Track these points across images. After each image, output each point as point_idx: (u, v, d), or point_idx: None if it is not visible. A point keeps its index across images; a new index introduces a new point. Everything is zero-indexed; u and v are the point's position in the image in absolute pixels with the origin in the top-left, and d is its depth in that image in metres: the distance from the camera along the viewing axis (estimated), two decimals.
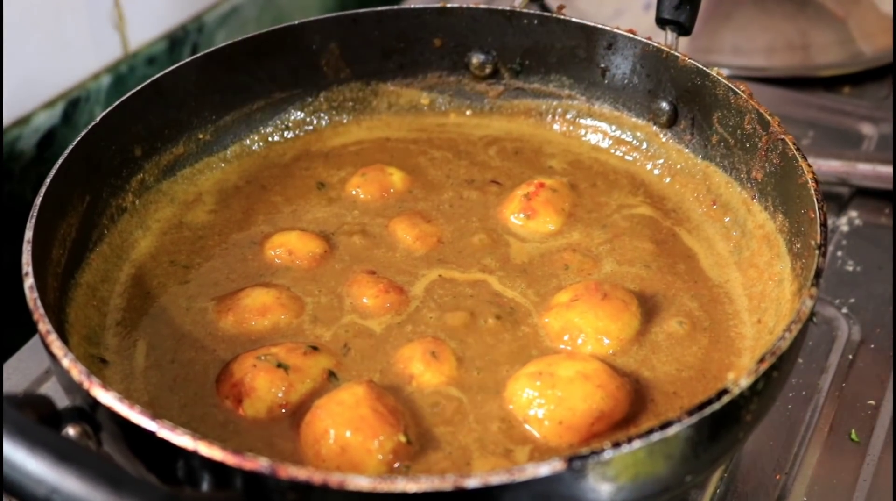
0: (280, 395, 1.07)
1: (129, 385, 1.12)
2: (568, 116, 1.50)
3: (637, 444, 0.87)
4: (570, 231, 1.32)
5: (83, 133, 1.22)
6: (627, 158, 1.45)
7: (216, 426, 1.07)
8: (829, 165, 1.17)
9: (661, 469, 0.92)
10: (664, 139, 1.42)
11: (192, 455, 0.86)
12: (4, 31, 1.51)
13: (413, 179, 1.41)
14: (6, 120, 1.56)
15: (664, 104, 1.40)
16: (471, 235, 1.31)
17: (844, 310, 1.45)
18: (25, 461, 0.77)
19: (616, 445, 0.86)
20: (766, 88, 1.32)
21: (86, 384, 0.91)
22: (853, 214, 1.60)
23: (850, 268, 1.52)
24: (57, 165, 1.17)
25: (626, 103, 1.45)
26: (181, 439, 0.86)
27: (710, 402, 0.90)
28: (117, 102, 1.27)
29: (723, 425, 0.94)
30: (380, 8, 1.46)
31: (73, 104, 1.66)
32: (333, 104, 1.51)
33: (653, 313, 1.20)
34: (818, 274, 1.04)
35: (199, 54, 1.37)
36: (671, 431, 0.88)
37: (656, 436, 0.87)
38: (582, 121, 1.49)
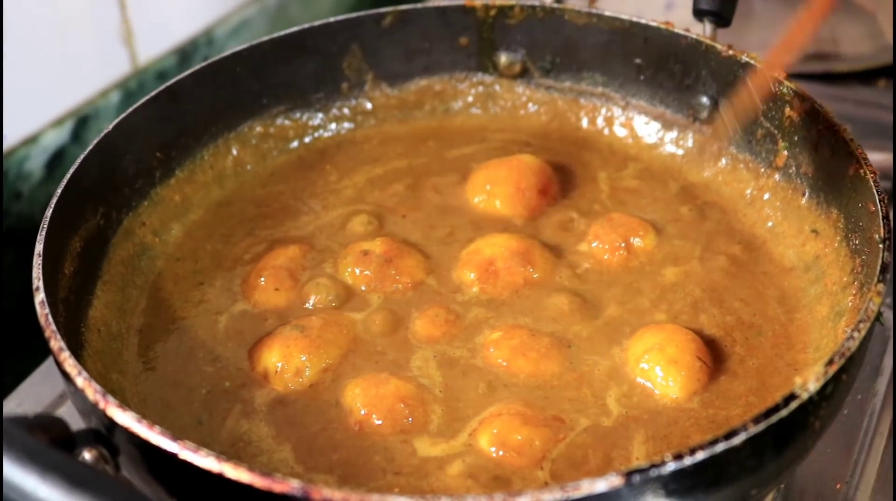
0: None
1: (146, 405, 1.09)
2: (603, 115, 1.46)
3: (701, 455, 0.82)
4: None
5: (95, 141, 1.20)
6: (667, 156, 1.41)
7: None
8: (873, 159, 1.13)
9: (725, 482, 0.87)
10: (706, 136, 1.38)
11: (217, 478, 0.82)
12: (10, 47, 1.47)
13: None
14: (13, 139, 1.53)
15: (704, 99, 1.37)
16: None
17: (889, 304, 1.40)
18: (37, 487, 0.73)
19: (678, 456, 0.82)
20: (798, 84, 1.31)
21: (101, 404, 0.88)
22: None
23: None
24: (68, 176, 1.14)
25: (664, 100, 1.41)
26: (205, 461, 0.82)
27: (777, 408, 0.86)
28: (131, 109, 1.25)
29: (791, 432, 0.89)
30: (403, 7, 1.43)
31: (83, 122, 1.63)
32: (355, 108, 1.47)
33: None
34: (884, 270, 0.99)
35: (214, 58, 1.35)
36: (737, 440, 0.83)
37: (721, 446, 0.83)
38: (618, 119, 1.45)
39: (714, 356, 1.11)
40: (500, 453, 1.01)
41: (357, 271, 1.21)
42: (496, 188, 1.32)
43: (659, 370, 1.08)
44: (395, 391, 1.06)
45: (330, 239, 1.28)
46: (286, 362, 1.10)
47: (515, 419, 1.03)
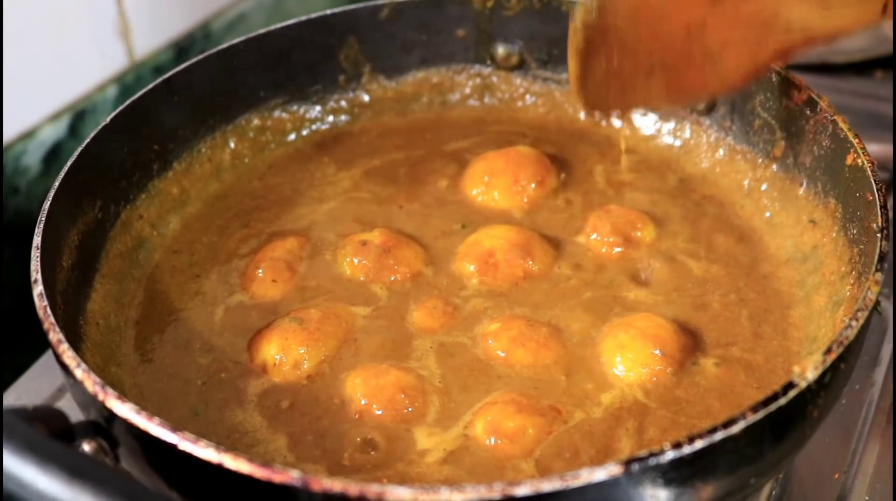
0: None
1: (143, 397, 1.09)
2: None
3: (699, 444, 0.82)
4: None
5: (93, 134, 1.20)
6: (665, 148, 1.41)
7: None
8: (870, 150, 1.13)
9: (724, 471, 0.87)
10: (703, 127, 1.38)
11: (216, 469, 0.82)
12: (6, 42, 1.47)
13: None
14: (10, 134, 1.52)
15: None
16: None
17: (891, 298, 1.39)
18: (36, 478, 0.73)
19: (677, 445, 0.82)
20: (795, 74, 1.32)
21: (101, 396, 0.88)
22: (891, 200, 1.55)
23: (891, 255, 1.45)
24: (66, 169, 1.14)
25: None
26: (205, 452, 0.82)
27: (775, 397, 0.86)
28: (129, 102, 1.26)
29: (789, 421, 0.89)
30: None
31: (79, 116, 1.63)
32: (353, 100, 1.47)
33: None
34: (882, 259, 0.99)
35: (211, 51, 1.35)
36: (735, 429, 0.83)
37: (719, 435, 0.83)
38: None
39: (707, 346, 1.12)
40: (494, 441, 1.01)
41: (355, 261, 1.21)
42: (494, 180, 1.32)
43: (624, 367, 1.09)
44: (396, 381, 1.07)
45: (327, 231, 1.28)
46: (285, 354, 1.10)
47: (510, 407, 1.04)
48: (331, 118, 1.46)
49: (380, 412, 1.04)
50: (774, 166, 1.28)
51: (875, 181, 1.06)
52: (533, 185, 1.32)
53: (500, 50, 1.46)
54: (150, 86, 1.28)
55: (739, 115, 1.32)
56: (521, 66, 1.47)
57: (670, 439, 0.96)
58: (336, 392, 1.07)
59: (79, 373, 0.90)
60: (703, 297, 1.18)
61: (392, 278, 1.20)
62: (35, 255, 1.02)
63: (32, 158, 1.56)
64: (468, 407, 1.05)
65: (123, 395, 0.89)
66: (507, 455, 1.00)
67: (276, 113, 1.42)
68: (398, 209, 1.31)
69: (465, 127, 1.46)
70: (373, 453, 1.01)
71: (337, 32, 1.42)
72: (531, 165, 1.33)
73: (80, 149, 1.17)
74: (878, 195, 1.05)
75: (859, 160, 1.10)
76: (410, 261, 1.21)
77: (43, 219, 1.07)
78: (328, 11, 1.40)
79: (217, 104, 1.37)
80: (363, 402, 1.05)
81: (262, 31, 1.39)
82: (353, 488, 0.78)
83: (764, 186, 1.29)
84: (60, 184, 1.12)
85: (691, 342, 1.12)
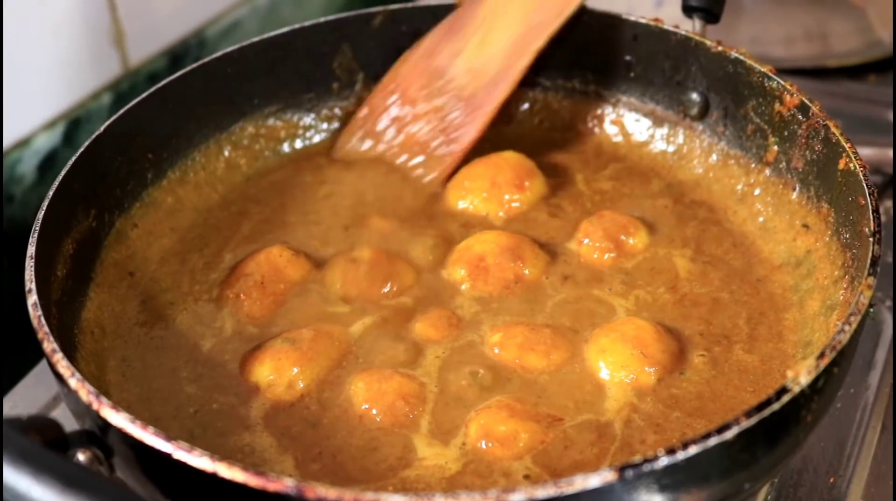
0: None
1: (140, 407, 1.09)
2: (593, 113, 1.46)
3: (693, 449, 0.82)
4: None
5: (87, 143, 1.19)
6: (658, 153, 1.41)
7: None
8: (863, 154, 1.14)
9: (718, 476, 0.87)
10: (696, 132, 1.38)
11: (211, 478, 0.81)
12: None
13: None
14: (5, 143, 1.52)
15: (694, 95, 1.36)
16: None
17: (888, 303, 1.40)
18: (30, 488, 0.73)
19: (671, 451, 0.82)
20: (788, 79, 1.32)
21: (95, 405, 0.88)
22: (889, 203, 1.56)
23: (890, 260, 1.46)
24: (60, 178, 1.14)
25: (654, 96, 1.41)
26: (199, 461, 0.82)
27: (769, 402, 0.85)
28: (122, 111, 1.25)
29: (783, 426, 0.89)
30: (393, 6, 1.43)
31: (74, 125, 1.62)
32: (346, 108, 1.47)
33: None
34: (874, 263, 0.99)
35: (205, 59, 1.35)
36: (729, 434, 0.83)
37: (713, 440, 0.83)
38: (608, 117, 1.45)
39: (701, 349, 1.12)
40: (488, 444, 1.01)
41: (345, 279, 1.20)
42: (473, 184, 1.33)
43: (609, 371, 1.09)
44: (398, 387, 1.07)
45: (321, 243, 1.28)
46: (278, 375, 1.09)
47: (503, 411, 1.04)
48: (325, 126, 1.46)
49: (379, 418, 1.05)
50: (767, 171, 1.28)
51: (867, 185, 1.07)
52: (511, 188, 1.32)
53: None
54: (145, 94, 1.28)
55: (732, 120, 1.32)
56: None
57: (665, 444, 0.97)
58: (334, 408, 1.07)
59: (73, 382, 0.90)
60: (697, 301, 1.18)
61: (383, 294, 1.20)
62: (29, 264, 1.02)
63: (27, 166, 1.56)
64: (465, 415, 1.05)
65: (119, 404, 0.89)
66: (499, 459, 1.01)
67: (270, 121, 1.42)
68: (389, 220, 1.31)
69: None
70: (374, 461, 1.01)
71: (330, 40, 1.42)
72: (511, 168, 1.33)
73: (74, 158, 1.17)
74: (871, 199, 1.05)
75: (851, 165, 1.11)
76: (401, 274, 1.21)
77: (37, 228, 1.07)
78: (321, 19, 1.40)
79: (211, 112, 1.37)
80: (364, 406, 1.05)
81: (257, 38, 1.39)
82: (347, 496, 0.78)
83: (757, 191, 1.29)
84: (55, 193, 1.12)
85: (679, 344, 1.12)
